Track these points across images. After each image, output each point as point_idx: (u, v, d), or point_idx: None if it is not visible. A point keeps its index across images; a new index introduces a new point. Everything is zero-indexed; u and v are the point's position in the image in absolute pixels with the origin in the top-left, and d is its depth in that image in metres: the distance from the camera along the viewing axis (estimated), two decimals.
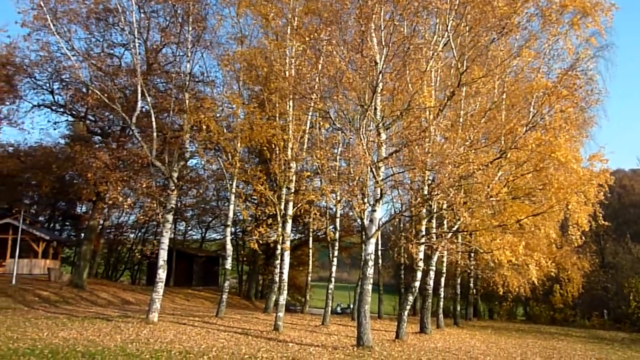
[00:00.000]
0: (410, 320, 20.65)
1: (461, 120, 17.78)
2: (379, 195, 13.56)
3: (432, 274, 19.41)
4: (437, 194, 13.76)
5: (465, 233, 19.93)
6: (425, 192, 15.59)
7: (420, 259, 17.30)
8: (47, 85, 27.02)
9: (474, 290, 31.14)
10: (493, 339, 19.40)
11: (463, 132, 16.92)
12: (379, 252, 28.41)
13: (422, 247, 17.15)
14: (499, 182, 15.84)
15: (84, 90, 24.29)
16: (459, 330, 22.60)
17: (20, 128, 64.67)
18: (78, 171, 29.00)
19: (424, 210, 16.53)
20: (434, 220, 18.41)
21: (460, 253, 20.33)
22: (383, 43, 12.69)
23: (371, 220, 13.63)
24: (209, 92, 22.20)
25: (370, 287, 13.43)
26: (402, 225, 29.57)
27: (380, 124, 13.40)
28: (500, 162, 15.63)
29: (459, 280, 27.87)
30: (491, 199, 15.26)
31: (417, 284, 17.58)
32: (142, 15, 22.67)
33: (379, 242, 27.45)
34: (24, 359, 9.23)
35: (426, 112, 14.31)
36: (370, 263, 13.42)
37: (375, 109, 13.34)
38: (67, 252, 43.26)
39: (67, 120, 32.81)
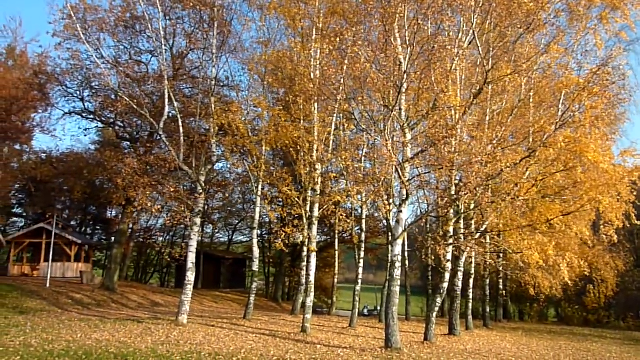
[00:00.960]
0: (439, 322, 20.42)
1: (487, 118, 17.52)
2: (405, 196, 13.46)
3: (460, 275, 19.16)
4: (465, 194, 13.57)
5: (494, 233, 19.60)
6: (453, 192, 15.40)
7: (448, 260, 17.10)
8: (78, 93, 27.76)
9: (504, 292, 30.57)
10: (524, 341, 19.01)
11: (490, 130, 16.67)
12: (406, 254, 28.21)
13: (450, 248, 16.94)
14: (528, 181, 15.53)
15: (113, 97, 24.88)
16: (488, 332, 22.23)
17: (53, 135, 66.76)
18: (108, 176, 29.70)
19: (452, 211, 16.32)
20: (461, 221, 18.17)
21: (488, 254, 20.01)
22: (407, 43, 12.62)
23: (397, 221, 13.55)
24: (235, 96, 22.46)
25: (397, 288, 13.34)
26: (429, 226, 29.27)
27: (406, 124, 13.30)
28: (529, 160, 15.32)
29: (487, 281, 27.43)
30: (519, 198, 14.97)
31: (445, 285, 17.37)
32: (168, 22, 23.12)
33: (406, 243, 27.28)
34: None
35: (452, 111, 14.14)
36: (398, 264, 13.34)
37: (400, 109, 13.26)
38: (98, 256, 44.30)
39: (97, 126, 33.67)
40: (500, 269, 24.02)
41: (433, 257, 27.28)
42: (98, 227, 44.77)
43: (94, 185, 36.33)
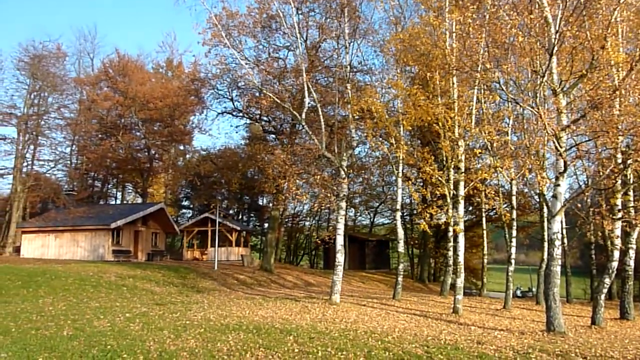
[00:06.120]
0: (607, 305, 18.41)
1: None
2: (563, 168, 12.32)
3: (631, 253, 16.99)
4: (635, 161, 11.98)
5: None
6: (619, 160, 13.67)
7: (617, 237, 15.30)
8: (227, 93, 30.55)
9: None
10: None
11: None
12: (564, 231, 25.87)
13: (619, 224, 15.14)
14: None
15: (258, 94, 26.78)
16: None
17: (209, 134, 74.55)
18: (259, 168, 32.23)
19: (619, 182, 14.52)
20: (631, 192, 16.07)
21: None
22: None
23: (554, 196, 12.49)
24: (368, 80, 22.63)
25: (558, 268, 12.35)
26: (590, 199, 26.41)
27: (559, 89, 12.13)
28: None
29: None
30: None
31: (615, 264, 15.58)
32: (301, 16, 24.08)
33: (563, 220, 24.96)
34: (235, 333, 10.57)
35: (614, 70, 12.51)
36: (557, 243, 12.33)
37: (552, 72, 12.12)
38: (254, 241, 48.50)
39: (245, 123, 36.73)
40: None
41: (599, 234, 24.66)
42: (252, 215, 48.94)
43: (247, 176, 39.79)
